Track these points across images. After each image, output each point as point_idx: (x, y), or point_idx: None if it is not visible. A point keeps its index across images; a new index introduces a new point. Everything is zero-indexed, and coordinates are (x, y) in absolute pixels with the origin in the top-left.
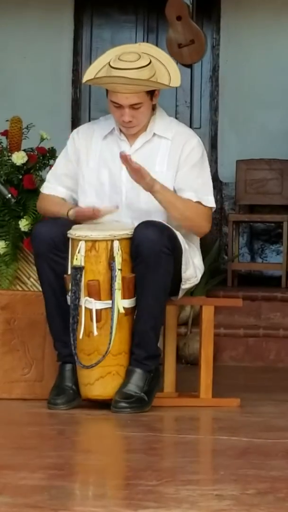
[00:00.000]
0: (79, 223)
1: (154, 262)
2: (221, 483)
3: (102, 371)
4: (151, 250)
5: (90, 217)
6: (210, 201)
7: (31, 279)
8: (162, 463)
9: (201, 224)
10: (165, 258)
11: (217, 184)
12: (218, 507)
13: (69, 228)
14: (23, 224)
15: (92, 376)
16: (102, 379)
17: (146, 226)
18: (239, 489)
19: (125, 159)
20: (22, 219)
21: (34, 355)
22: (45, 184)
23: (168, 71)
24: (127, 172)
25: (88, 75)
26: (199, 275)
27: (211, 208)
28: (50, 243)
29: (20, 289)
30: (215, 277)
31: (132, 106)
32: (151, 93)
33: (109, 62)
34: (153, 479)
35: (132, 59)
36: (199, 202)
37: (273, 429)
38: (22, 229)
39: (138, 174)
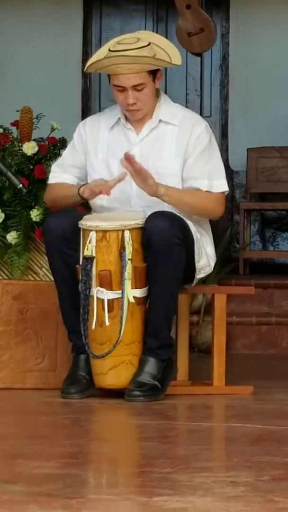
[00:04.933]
0: (87, 211)
1: (166, 252)
2: (235, 470)
3: (115, 360)
4: (162, 241)
5: (100, 192)
6: (221, 186)
7: (43, 269)
8: (176, 450)
9: (214, 210)
10: (176, 248)
11: (228, 173)
12: (233, 493)
13: (80, 219)
14: (35, 214)
15: (105, 365)
16: (115, 368)
17: (157, 216)
18: (253, 476)
19: (129, 160)
20: (33, 209)
21: (47, 344)
22: (50, 175)
23: (167, 53)
24: (137, 160)
25: (88, 62)
26: (212, 264)
27: (223, 192)
28: (61, 235)
29: (32, 279)
30: (227, 266)
31: (135, 88)
32: (153, 75)
33: (109, 48)
34: (167, 467)
35: (131, 41)
36: (210, 190)
37: (286, 416)
38: (34, 219)
39: (140, 175)
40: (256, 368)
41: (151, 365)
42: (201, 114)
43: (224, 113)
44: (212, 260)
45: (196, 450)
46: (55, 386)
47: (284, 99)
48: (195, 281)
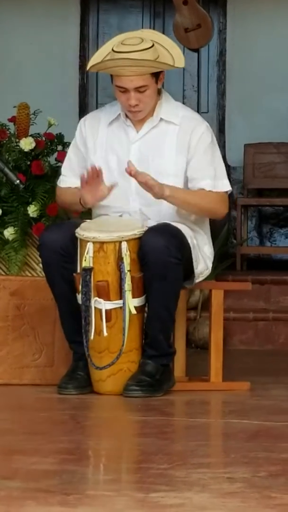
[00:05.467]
0: (82, 221)
1: (162, 272)
2: (232, 466)
3: (114, 368)
4: (158, 261)
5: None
6: (225, 185)
7: (40, 265)
8: (173, 446)
9: (218, 210)
10: (173, 267)
11: (225, 169)
12: (230, 489)
13: (76, 228)
14: (32, 210)
15: (104, 373)
16: (113, 376)
17: (154, 234)
18: (250, 472)
19: (131, 174)
20: (30, 205)
21: (44, 340)
22: (60, 178)
23: (171, 54)
24: (135, 157)
25: (92, 62)
26: (210, 265)
27: (226, 191)
28: (59, 252)
29: (29, 275)
30: (224, 261)
31: (138, 89)
32: (156, 77)
33: (112, 49)
34: (164, 463)
35: (135, 42)
36: (215, 190)
37: (284, 412)
38: (31, 215)
39: (146, 185)
40: (253, 364)
41: (150, 367)
42: (198, 110)
43: (221, 109)
44: (209, 261)
45: (193, 446)
46: (52, 382)
47: (281, 95)
48: (194, 284)
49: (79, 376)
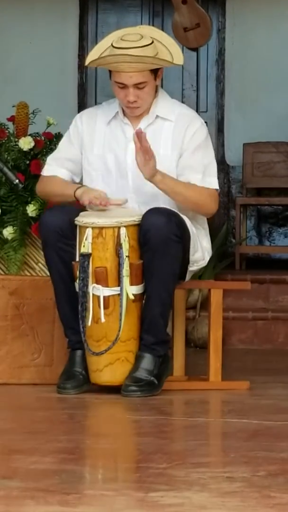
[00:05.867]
0: (83, 208)
1: (162, 249)
2: (232, 465)
3: (111, 357)
4: (159, 237)
5: (97, 204)
6: (213, 183)
7: (39, 264)
8: (172, 446)
9: (207, 206)
10: (173, 245)
11: (224, 168)
12: (229, 489)
13: (77, 215)
14: (31, 210)
15: (101, 362)
16: (111, 365)
17: (154, 213)
18: (249, 471)
19: (139, 136)
20: (29, 205)
21: (44, 340)
22: (45, 167)
23: (169, 51)
24: (133, 156)
25: (90, 57)
26: (207, 258)
27: (216, 189)
28: (57, 231)
29: (28, 274)
30: (223, 261)
31: (137, 86)
32: (155, 73)
33: (111, 44)
34: (163, 462)
35: (135, 38)
36: (203, 185)
37: (283, 411)
38: (30, 214)
39: (146, 154)
40: (252, 363)
41: (147, 361)
42: (197, 109)
43: (220, 108)
44: (207, 254)
45: (193, 445)
46: (51, 382)
47: (280, 94)
48: (188, 275)
49: (77, 372)
